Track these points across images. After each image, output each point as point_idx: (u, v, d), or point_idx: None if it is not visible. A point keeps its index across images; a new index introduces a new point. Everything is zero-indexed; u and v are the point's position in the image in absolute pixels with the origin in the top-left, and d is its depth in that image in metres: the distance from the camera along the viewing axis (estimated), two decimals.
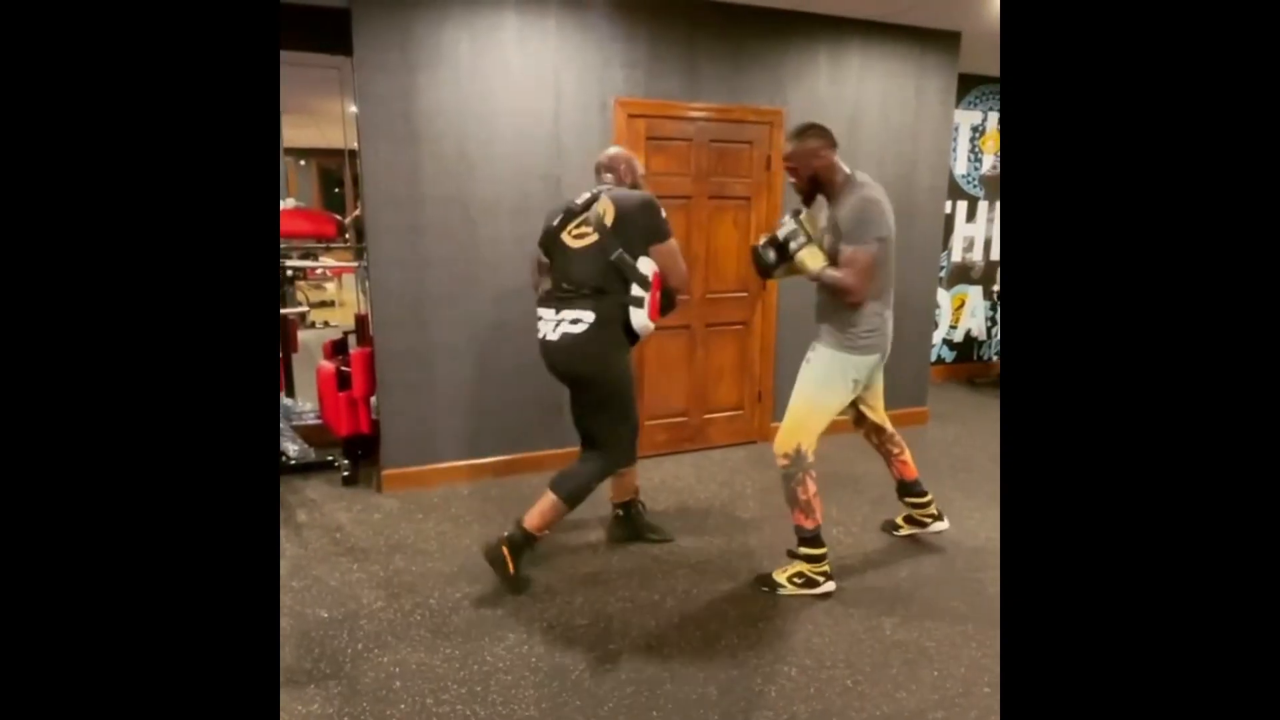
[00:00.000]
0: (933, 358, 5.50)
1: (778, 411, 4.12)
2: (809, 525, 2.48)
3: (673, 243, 2.47)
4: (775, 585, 2.53)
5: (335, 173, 7.31)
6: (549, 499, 2.46)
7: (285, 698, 1.95)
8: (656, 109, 3.55)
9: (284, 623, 2.30)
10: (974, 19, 3.84)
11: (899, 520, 2.98)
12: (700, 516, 3.15)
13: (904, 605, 2.47)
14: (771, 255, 2.47)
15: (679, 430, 3.95)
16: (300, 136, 5.88)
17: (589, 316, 2.38)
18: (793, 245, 2.40)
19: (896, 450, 2.80)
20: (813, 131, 2.37)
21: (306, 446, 3.76)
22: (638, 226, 2.41)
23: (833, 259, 2.37)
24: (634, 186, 2.57)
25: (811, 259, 2.37)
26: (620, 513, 2.89)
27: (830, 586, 2.52)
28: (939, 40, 4.08)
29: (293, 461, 3.61)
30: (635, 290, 2.40)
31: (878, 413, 2.74)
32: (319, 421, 3.85)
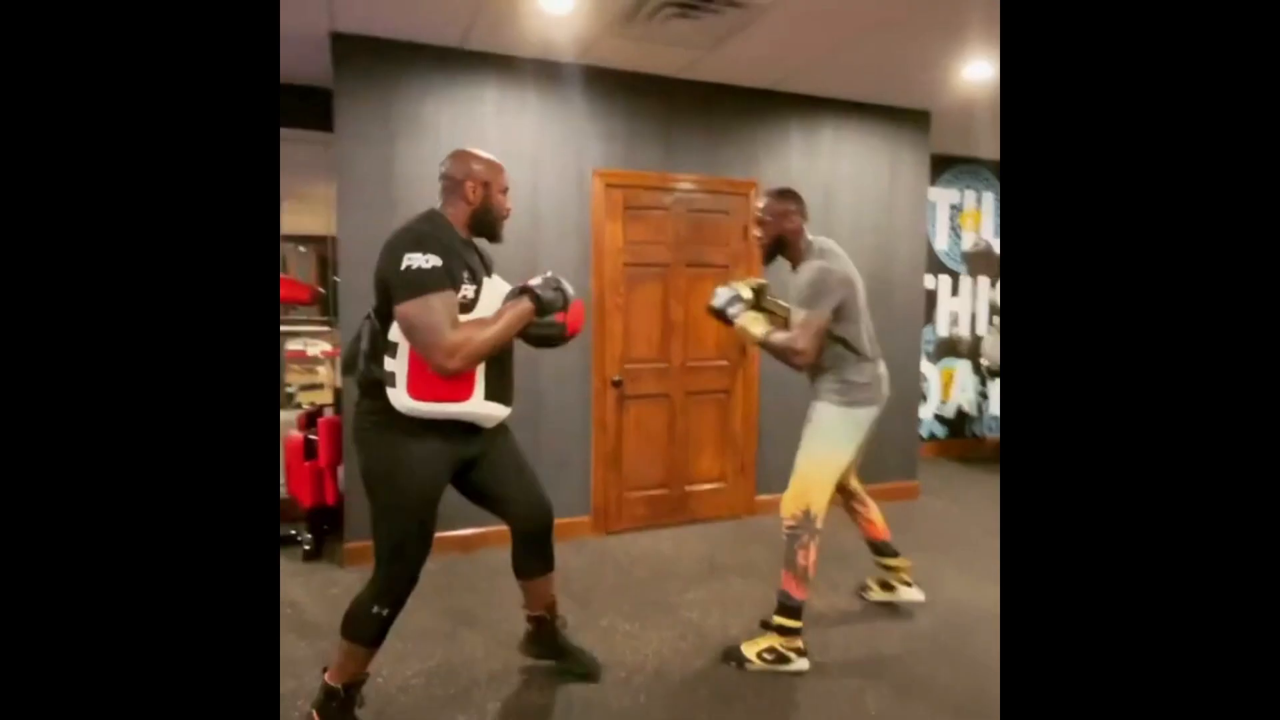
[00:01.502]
0: (925, 434, 5.41)
1: (761, 484, 3.98)
2: (796, 595, 2.32)
3: (417, 304, 1.68)
4: (743, 660, 2.36)
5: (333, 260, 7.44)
6: (339, 644, 1.94)
7: None
8: (634, 179, 3.62)
9: None
10: (939, 99, 3.97)
11: (870, 582, 2.82)
12: (677, 591, 2.98)
13: (889, 681, 2.28)
14: (722, 317, 2.40)
15: (659, 503, 3.80)
16: (298, 224, 6.02)
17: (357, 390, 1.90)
18: (730, 312, 2.35)
19: (861, 508, 2.69)
20: (790, 196, 2.42)
21: None
22: (379, 277, 1.79)
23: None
24: (481, 207, 1.92)
25: (753, 324, 2.33)
26: (531, 626, 2.28)
27: (803, 664, 2.33)
28: (910, 118, 4.20)
29: None
30: (386, 363, 1.80)
31: (851, 468, 2.62)
32: (285, 495, 3.71)
